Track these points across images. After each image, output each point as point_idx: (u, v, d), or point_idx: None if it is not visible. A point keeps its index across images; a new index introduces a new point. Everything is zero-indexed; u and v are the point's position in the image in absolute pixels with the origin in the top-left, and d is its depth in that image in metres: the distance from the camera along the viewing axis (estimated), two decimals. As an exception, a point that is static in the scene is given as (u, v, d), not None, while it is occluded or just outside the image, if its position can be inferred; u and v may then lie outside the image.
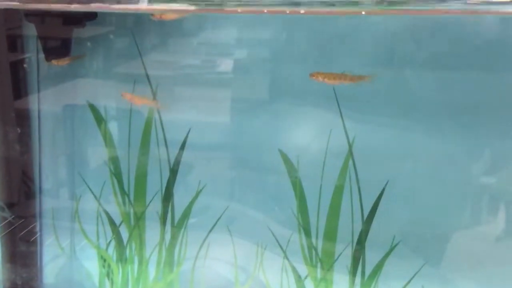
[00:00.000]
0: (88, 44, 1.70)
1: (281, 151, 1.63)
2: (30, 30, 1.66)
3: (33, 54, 1.73)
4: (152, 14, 1.52)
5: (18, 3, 1.46)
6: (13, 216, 1.83)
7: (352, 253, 1.64)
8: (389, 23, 1.48)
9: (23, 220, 1.85)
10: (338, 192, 1.62)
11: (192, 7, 1.33)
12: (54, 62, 1.66)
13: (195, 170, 1.74)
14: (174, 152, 1.74)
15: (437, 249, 1.59)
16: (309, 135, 1.62)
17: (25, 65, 1.74)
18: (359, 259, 1.65)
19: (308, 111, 1.60)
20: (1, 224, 1.87)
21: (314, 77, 1.45)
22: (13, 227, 1.86)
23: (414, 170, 1.56)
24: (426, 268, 1.59)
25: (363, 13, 1.41)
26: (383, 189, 1.58)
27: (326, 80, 1.45)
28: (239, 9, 1.38)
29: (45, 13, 1.58)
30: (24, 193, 1.85)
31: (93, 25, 1.65)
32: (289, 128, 1.63)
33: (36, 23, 1.62)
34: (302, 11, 1.33)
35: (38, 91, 1.77)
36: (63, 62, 1.68)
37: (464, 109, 1.49)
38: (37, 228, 1.88)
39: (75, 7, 1.40)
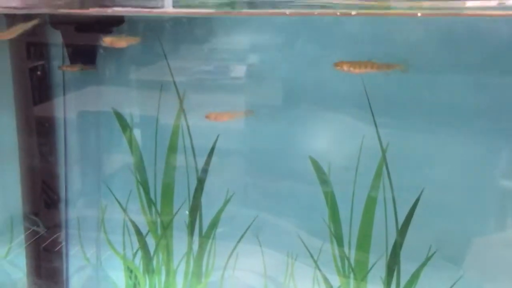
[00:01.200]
0: (114, 50, 1.67)
1: (312, 158, 1.60)
2: (56, 37, 1.64)
3: (58, 61, 1.71)
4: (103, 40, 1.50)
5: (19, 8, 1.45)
6: (45, 230, 1.81)
7: (386, 263, 1.60)
8: (419, 26, 1.44)
9: (48, 230, 1.83)
10: (371, 200, 1.58)
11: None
12: (64, 68, 1.64)
13: (223, 178, 1.71)
14: (201, 160, 1.70)
15: (475, 259, 1.55)
16: (341, 141, 1.58)
17: (38, 72, 1.72)
18: (394, 270, 1.60)
19: (339, 117, 1.56)
20: (25, 233, 1.85)
21: (338, 67, 1.38)
22: (37, 236, 1.84)
23: (450, 177, 1.52)
24: (464, 279, 1.54)
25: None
26: (419, 197, 1.53)
27: (351, 69, 1.38)
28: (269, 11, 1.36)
29: (71, 20, 1.56)
30: (48, 202, 1.83)
31: (120, 32, 1.62)
32: (320, 135, 1.60)
33: (62, 29, 1.59)
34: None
35: (64, 99, 1.74)
36: (73, 69, 1.65)
37: (501, 114, 1.44)
38: (62, 238, 1.85)
39: (93, 12, 1.39)
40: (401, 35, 1.46)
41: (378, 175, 1.55)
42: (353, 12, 1.33)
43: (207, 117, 1.60)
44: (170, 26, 1.63)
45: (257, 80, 1.61)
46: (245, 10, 1.47)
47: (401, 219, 1.56)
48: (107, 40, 1.49)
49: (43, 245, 1.83)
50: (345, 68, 1.38)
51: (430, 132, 1.50)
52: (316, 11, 1.29)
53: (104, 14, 1.51)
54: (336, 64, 1.39)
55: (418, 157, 1.52)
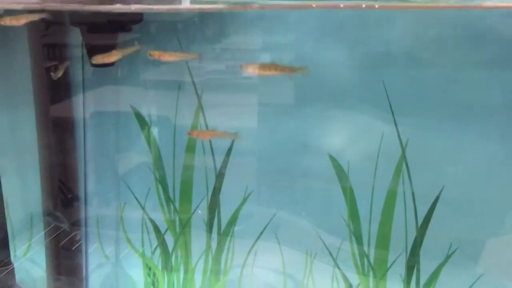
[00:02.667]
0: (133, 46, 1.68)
1: (331, 156, 1.59)
2: (76, 35, 1.64)
3: (78, 60, 1.72)
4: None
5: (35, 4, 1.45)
6: (68, 225, 1.81)
7: (406, 261, 1.59)
8: (437, 22, 1.43)
9: (69, 227, 1.84)
10: (391, 197, 1.57)
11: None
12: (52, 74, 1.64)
13: (241, 176, 1.70)
14: (219, 158, 1.70)
15: (496, 258, 1.53)
16: (360, 139, 1.57)
17: (51, 73, 1.72)
18: (414, 268, 1.60)
19: (358, 114, 1.55)
20: (45, 231, 1.86)
21: (243, 69, 1.38)
22: (56, 234, 1.84)
23: (470, 174, 1.50)
24: (484, 278, 1.53)
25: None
26: (439, 195, 1.52)
27: (256, 71, 1.38)
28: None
29: (91, 17, 1.56)
30: (67, 200, 1.83)
31: (138, 29, 1.62)
32: (339, 133, 1.59)
33: (81, 28, 1.60)
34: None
35: (84, 97, 1.75)
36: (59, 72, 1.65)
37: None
38: (81, 236, 1.86)
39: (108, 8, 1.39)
40: (421, 31, 1.45)
41: (397, 172, 1.54)
42: (377, 5, 1.32)
43: (189, 134, 1.62)
44: (188, 24, 1.62)
45: (276, 78, 1.61)
46: (270, 3, 1.46)
47: (421, 217, 1.55)
48: (154, 54, 1.46)
49: (63, 243, 1.84)
50: (250, 70, 1.38)
51: (450, 129, 1.48)
52: (342, 3, 1.28)
53: (122, 11, 1.51)
54: (241, 66, 1.39)
55: (438, 154, 1.51)
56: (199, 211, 1.75)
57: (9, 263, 1.72)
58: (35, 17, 1.51)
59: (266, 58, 1.60)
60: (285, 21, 1.55)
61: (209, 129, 1.67)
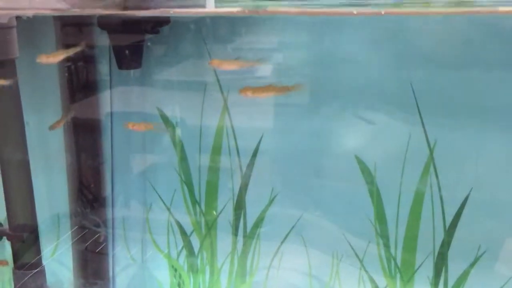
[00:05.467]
0: (160, 50, 1.69)
1: (357, 157, 1.58)
2: (103, 37, 1.65)
3: (105, 61, 1.73)
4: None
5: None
6: (95, 227, 1.83)
7: (434, 263, 1.58)
8: (462, 24, 1.42)
9: (95, 229, 1.85)
10: (418, 199, 1.56)
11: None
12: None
13: (267, 177, 1.70)
14: (245, 159, 1.70)
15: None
16: (387, 140, 1.56)
17: (84, 72, 1.74)
18: (441, 270, 1.58)
19: (385, 115, 1.54)
20: (70, 232, 1.87)
21: (243, 93, 1.40)
22: (81, 235, 1.86)
23: (499, 175, 1.49)
24: (514, 280, 1.52)
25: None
26: (467, 196, 1.51)
27: (255, 94, 1.40)
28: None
29: (118, 20, 1.58)
30: (94, 202, 1.85)
31: (165, 31, 1.63)
32: (366, 134, 1.58)
33: (109, 30, 1.61)
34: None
35: (111, 98, 1.76)
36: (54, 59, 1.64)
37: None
38: (108, 237, 1.87)
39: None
40: (447, 33, 1.44)
41: (425, 173, 1.53)
42: (383, 11, 1.33)
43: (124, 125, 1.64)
44: (214, 25, 1.63)
45: (303, 79, 1.61)
46: (302, 9, 1.47)
47: (449, 218, 1.54)
48: (214, 62, 1.46)
49: (89, 244, 1.85)
50: (250, 94, 1.40)
51: (478, 130, 1.47)
52: (384, 10, 1.28)
53: (149, 15, 1.53)
54: (240, 91, 1.40)
55: (466, 155, 1.50)
56: (214, 212, 1.75)
57: (40, 263, 1.74)
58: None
59: (288, 57, 1.60)
60: (310, 21, 1.55)
61: (235, 130, 1.68)
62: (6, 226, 1.72)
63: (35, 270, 1.71)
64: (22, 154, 1.65)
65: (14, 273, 1.73)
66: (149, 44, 1.66)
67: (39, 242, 1.76)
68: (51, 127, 1.71)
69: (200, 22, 1.62)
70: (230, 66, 1.49)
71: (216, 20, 1.61)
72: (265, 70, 1.63)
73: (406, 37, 1.47)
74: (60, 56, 1.55)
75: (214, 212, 1.75)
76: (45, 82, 1.79)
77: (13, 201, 1.68)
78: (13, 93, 1.60)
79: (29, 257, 1.72)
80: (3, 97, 1.59)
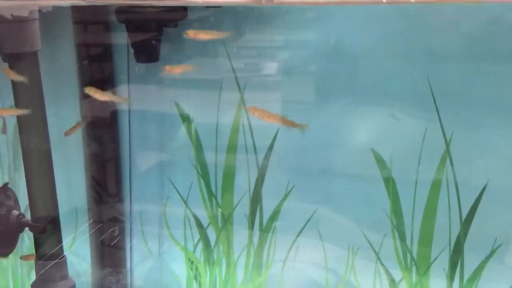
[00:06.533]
0: (177, 43, 1.70)
1: (373, 150, 1.59)
2: (121, 30, 1.67)
3: (123, 55, 1.74)
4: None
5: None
6: (111, 220, 1.85)
7: (450, 256, 1.58)
8: (481, 16, 1.42)
9: (111, 222, 1.87)
10: (434, 192, 1.56)
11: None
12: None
13: (283, 170, 1.71)
14: (262, 153, 1.71)
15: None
16: (402, 134, 1.57)
17: (102, 66, 1.76)
18: (457, 263, 1.58)
19: (400, 109, 1.55)
20: (89, 226, 1.89)
21: (250, 112, 1.47)
22: (97, 227, 1.87)
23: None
24: (530, 273, 1.52)
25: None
26: (483, 189, 1.51)
27: (261, 117, 1.45)
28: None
29: (136, 13, 1.59)
30: (111, 195, 1.86)
31: (183, 25, 1.64)
32: (381, 127, 1.59)
33: (127, 23, 1.62)
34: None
35: (129, 92, 1.78)
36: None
37: None
38: (126, 230, 1.89)
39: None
40: (465, 25, 1.44)
41: (441, 167, 1.54)
42: None
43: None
44: (230, 19, 1.64)
45: (319, 73, 1.62)
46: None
47: (465, 211, 1.54)
48: (190, 33, 1.49)
49: (107, 236, 1.87)
50: (257, 114, 1.46)
51: (496, 123, 1.48)
52: None
53: (162, 4, 1.54)
54: (248, 109, 1.49)
55: (482, 148, 1.50)
56: (219, 209, 1.77)
57: (61, 253, 1.76)
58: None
59: (305, 50, 1.61)
60: (329, 14, 1.55)
61: (251, 125, 1.69)
62: (27, 216, 1.75)
63: (58, 260, 1.72)
64: (44, 145, 1.67)
65: (36, 263, 1.76)
66: (166, 37, 1.67)
67: (60, 233, 1.78)
68: (67, 133, 1.74)
69: (217, 15, 1.63)
70: (205, 36, 1.52)
71: (233, 14, 1.62)
72: (282, 65, 1.65)
73: (423, 30, 1.48)
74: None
75: (220, 210, 1.77)
76: (63, 75, 1.81)
77: (35, 192, 1.70)
78: (36, 86, 1.62)
79: (51, 247, 1.74)
80: (26, 89, 1.61)
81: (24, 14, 1.52)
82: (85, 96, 1.64)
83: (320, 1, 1.45)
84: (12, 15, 1.51)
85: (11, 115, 1.73)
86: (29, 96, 1.63)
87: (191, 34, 1.48)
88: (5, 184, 1.75)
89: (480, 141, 1.50)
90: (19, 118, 1.67)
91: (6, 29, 1.53)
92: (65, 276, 1.76)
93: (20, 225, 1.72)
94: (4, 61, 1.60)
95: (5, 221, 1.71)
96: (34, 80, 1.61)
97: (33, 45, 1.57)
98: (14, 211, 1.73)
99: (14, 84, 1.62)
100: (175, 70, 1.59)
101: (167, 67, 1.57)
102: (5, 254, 1.77)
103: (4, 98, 1.76)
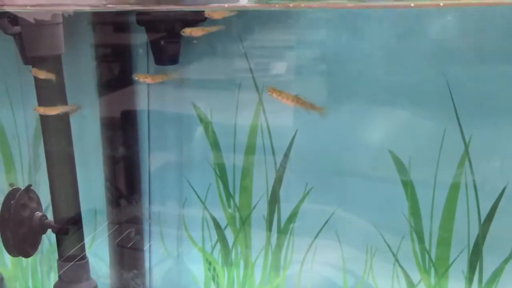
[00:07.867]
0: (196, 46, 1.71)
1: (391, 152, 1.59)
2: (141, 33, 1.68)
3: (143, 56, 1.76)
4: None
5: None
6: (129, 221, 1.86)
7: (469, 258, 1.58)
8: (497, 17, 1.42)
9: (130, 223, 1.88)
10: (453, 193, 1.56)
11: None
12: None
13: (301, 172, 1.72)
14: (280, 154, 1.72)
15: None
16: (421, 135, 1.57)
17: (121, 67, 1.77)
18: (476, 265, 1.58)
19: (419, 110, 1.55)
20: (108, 226, 1.90)
21: (269, 92, 1.45)
22: (115, 228, 1.88)
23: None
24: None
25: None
26: (503, 191, 1.51)
27: (279, 98, 1.45)
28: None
29: (156, 16, 1.61)
30: (130, 196, 1.87)
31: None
32: (399, 129, 1.59)
33: (147, 26, 1.64)
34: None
35: (148, 94, 1.79)
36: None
37: None
38: (144, 232, 1.90)
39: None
40: (483, 26, 1.44)
41: (460, 168, 1.53)
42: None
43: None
44: (249, 23, 1.65)
45: (337, 74, 1.62)
46: (326, 3, 1.48)
47: (483, 213, 1.54)
48: (186, 31, 1.51)
49: (125, 237, 1.88)
50: (275, 95, 1.44)
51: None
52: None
53: (184, 10, 1.55)
54: (267, 89, 1.46)
55: (502, 150, 1.50)
56: (229, 210, 1.77)
57: (83, 254, 1.77)
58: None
59: (323, 52, 1.61)
60: (343, 16, 1.56)
61: (269, 125, 1.69)
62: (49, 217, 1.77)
63: (81, 261, 1.74)
64: (67, 147, 1.69)
65: (58, 264, 1.77)
66: (186, 40, 1.68)
67: (82, 234, 1.80)
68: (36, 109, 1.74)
69: (236, 19, 1.64)
70: (200, 32, 1.52)
71: (251, 17, 1.63)
72: (300, 65, 1.65)
73: (442, 31, 1.48)
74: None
75: (230, 210, 1.78)
76: (83, 77, 1.82)
77: (58, 194, 1.72)
78: (59, 88, 1.64)
79: (73, 248, 1.76)
80: (49, 91, 1.63)
81: (48, 18, 1.54)
82: (104, 98, 1.65)
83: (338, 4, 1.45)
84: (36, 19, 1.53)
85: (63, 112, 1.74)
86: (54, 99, 1.64)
87: (187, 31, 1.51)
88: (28, 186, 1.77)
89: (499, 142, 1.50)
90: (42, 119, 1.69)
91: (32, 33, 1.55)
92: (87, 277, 1.77)
93: (43, 227, 1.74)
94: (28, 64, 1.62)
95: (28, 222, 1.73)
96: (58, 82, 1.63)
97: (57, 49, 1.59)
98: (37, 212, 1.75)
99: (37, 87, 1.64)
100: (148, 79, 1.65)
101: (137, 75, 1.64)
102: (29, 255, 1.78)
103: (27, 100, 1.78)
